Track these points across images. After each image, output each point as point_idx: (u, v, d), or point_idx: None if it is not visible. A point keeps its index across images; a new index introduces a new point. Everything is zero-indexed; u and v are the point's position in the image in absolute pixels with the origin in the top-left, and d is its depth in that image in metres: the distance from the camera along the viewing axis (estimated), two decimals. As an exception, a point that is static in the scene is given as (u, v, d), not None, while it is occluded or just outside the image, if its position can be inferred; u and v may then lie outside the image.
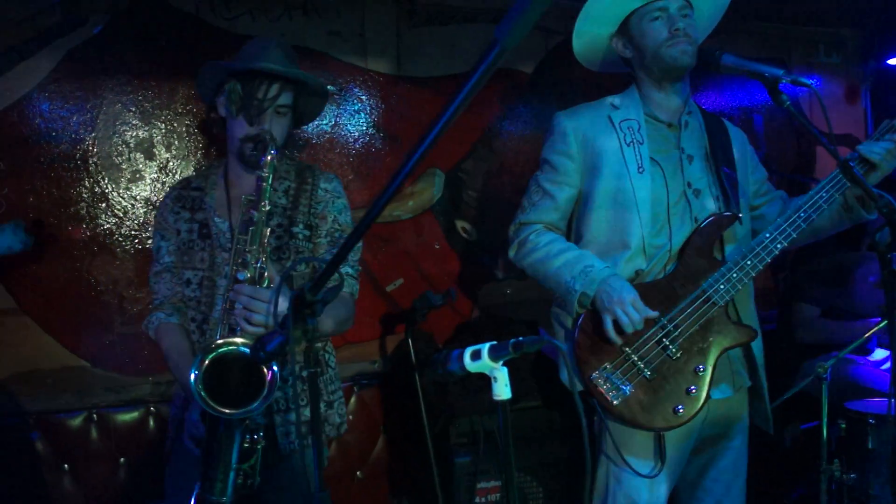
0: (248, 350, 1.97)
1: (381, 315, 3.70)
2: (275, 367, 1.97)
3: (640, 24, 2.39)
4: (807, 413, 3.18)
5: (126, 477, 3.16)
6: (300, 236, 2.34)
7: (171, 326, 2.31)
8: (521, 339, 1.63)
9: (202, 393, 1.94)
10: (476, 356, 1.66)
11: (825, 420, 2.83)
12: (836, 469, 2.88)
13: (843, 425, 3.01)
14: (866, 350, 3.80)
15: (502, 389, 1.64)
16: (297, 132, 3.56)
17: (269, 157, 2.15)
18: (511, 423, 1.65)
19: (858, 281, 3.56)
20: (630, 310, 2.20)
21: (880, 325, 3.05)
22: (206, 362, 1.97)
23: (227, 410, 1.96)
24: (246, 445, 2.06)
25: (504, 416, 1.66)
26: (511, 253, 2.54)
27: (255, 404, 1.97)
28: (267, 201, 2.13)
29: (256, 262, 2.12)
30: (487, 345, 1.65)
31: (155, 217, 2.44)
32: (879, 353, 3.83)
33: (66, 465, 3.11)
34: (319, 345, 2.44)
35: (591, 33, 2.48)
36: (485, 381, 1.66)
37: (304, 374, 2.28)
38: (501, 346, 1.63)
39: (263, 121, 2.26)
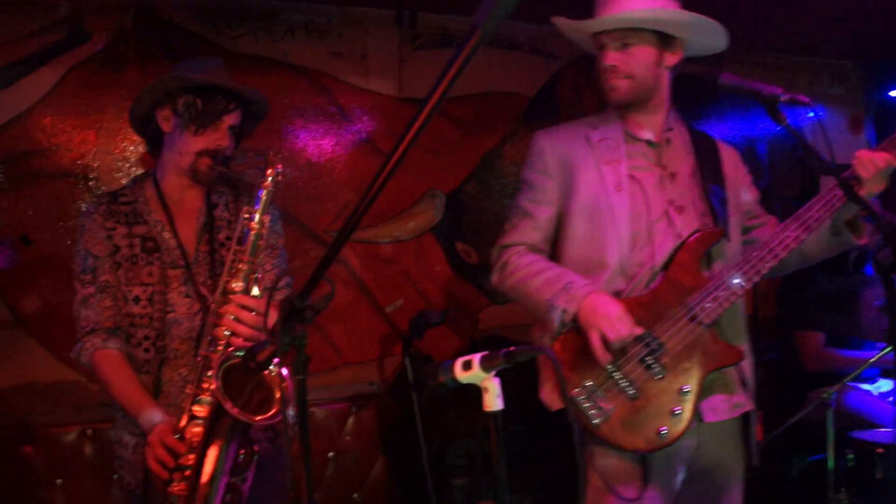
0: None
1: (380, 336, 3.68)
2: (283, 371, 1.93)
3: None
4: (814, 444, 3.13)
5: (119, 495, 3.12)
6: None
7: (110, 354, 2.18)
8: (512, 348, 1.60)
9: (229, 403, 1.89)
10: (467, 366, 1.62)
11: (831, 445, 2.78)
12: (843, 499, 2.83)
13: (851, 455, 2.96)
14: (870, 378, 3.76)
15: (493, 401, 1.60)
16: (295, 152, 3.57)
17: (270, 171, 2.12)
18: (505, 440, 1.62)
19: (864, 306, 3.52)
20: (617, 324, 2.12)
21: (885, 352, 3.01)
22: (221, 375, 1.92)
23: (257, 417, 1.91)
24: (240, 458, 2.03)
25: (496, 428, 1.62)
26: (493, 278, 2.43)
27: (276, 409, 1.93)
28: (259, 216, 2.11)
29: (253, 274, 2.10)
30: (479, 355, 1.62)
31: (81, 236, 2.25)
32: (884, 384, 3.77)
33: (59, 480, 3.07)
34: None
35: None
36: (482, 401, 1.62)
37: None
38: (493, 355, 1.59)
39: (223, 137, 2.21)
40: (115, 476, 3.10)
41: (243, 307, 2.06)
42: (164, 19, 3.39)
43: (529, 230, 2.38)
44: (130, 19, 3.33)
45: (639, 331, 2.16)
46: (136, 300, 2.20)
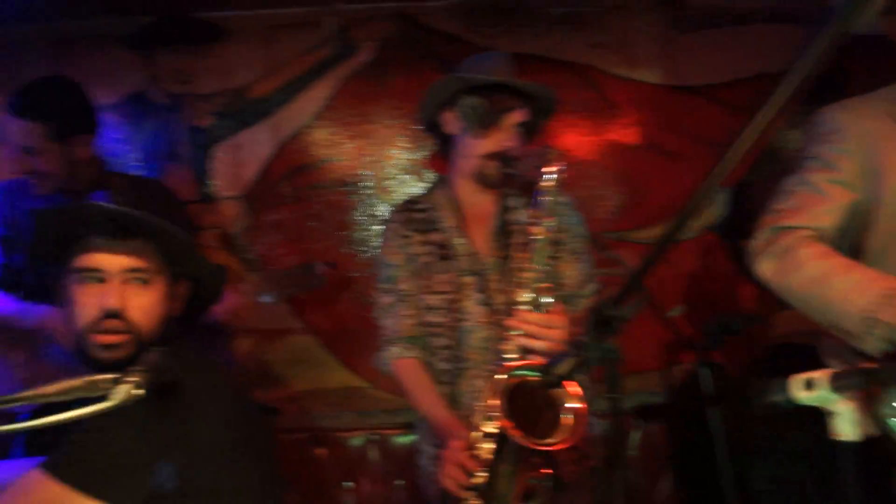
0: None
1: (663, 343, 3.42)
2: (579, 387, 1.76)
3: None
4: None
5: (405, 501, 3.14)
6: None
7: (410, 363, 2.16)
8: (875, 365, 1.32)
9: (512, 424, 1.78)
10: (810, 385, 1.37)
11: None
12: None
13: None
14: None
15: (847, 428, 1.34)
16: (564, 151, 3.44)
17: (551, 170, 2.02)
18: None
19: None
20: None
21: None
22: (506, 393, 1.81)
23: (548, 441, 1.76)
24: (530, 482, 1.89)
25: (847, 462, 1.35)
26: (763, 266, 1.99)
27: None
28: (543, 220, 1.99)
29: (541, 283, 1.97)
30: (827, 372, 1.36)
31: (382, 245, 2.27)
32: None
33: (348, 483, 3.17)
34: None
35: None
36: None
37: None
38: (847, 373, 1.34)
39: (509, 137, 2.12)
40: (397, 482, 3.15)
41: (527, 322, 1.92)
42: (425, 25, 3.43)
43: (823, 213, 1.95)
44: (393, 28, 3.40)
45: None
46: (433, 309, 2.15)
